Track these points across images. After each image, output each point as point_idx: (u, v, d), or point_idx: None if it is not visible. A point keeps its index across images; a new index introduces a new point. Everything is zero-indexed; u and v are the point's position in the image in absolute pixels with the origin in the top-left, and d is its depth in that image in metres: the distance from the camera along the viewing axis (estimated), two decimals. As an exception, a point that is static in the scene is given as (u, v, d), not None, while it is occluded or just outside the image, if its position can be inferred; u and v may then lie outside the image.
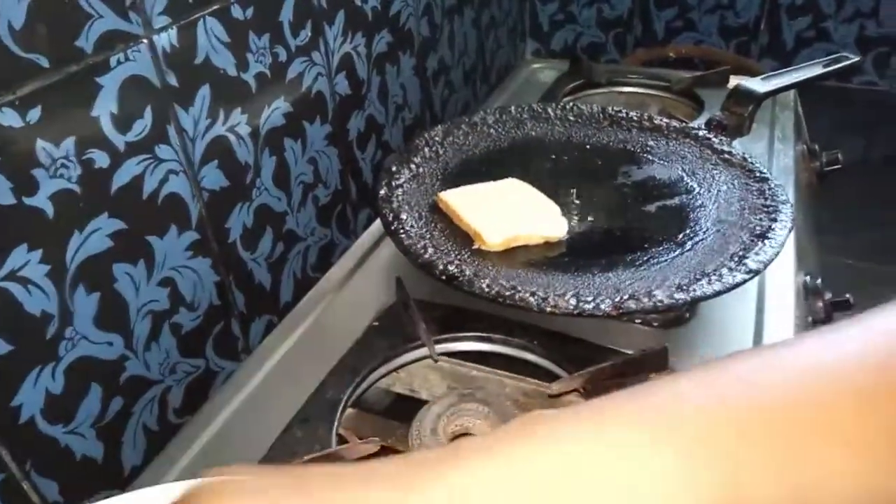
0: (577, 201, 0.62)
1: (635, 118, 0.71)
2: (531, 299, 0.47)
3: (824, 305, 0.59)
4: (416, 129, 0.94)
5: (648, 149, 0.68)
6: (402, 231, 0.55)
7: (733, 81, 0.71)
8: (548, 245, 0.56)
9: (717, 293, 0.47)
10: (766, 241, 0.52)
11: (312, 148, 0.73)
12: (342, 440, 0.46)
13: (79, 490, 0.50)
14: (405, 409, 0.48)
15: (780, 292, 0.56)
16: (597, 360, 0.48)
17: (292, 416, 0.47)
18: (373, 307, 0.55)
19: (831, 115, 0.89)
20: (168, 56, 0.53)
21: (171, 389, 0.59)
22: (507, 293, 0.48)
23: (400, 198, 0.60)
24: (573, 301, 0.47)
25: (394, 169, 0.63)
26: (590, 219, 0.60)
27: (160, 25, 0.52)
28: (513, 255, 0.55)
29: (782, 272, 0.59)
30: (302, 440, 0.44)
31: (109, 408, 0.52)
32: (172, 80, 0.54)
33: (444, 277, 0.50)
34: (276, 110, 0.66)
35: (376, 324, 0.53)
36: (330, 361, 0.50)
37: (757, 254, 0.51)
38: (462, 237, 0.56)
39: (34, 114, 0.44)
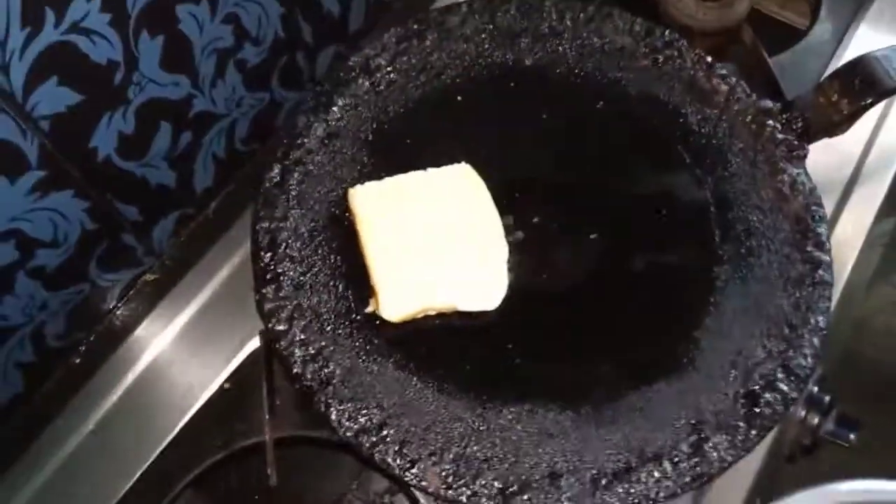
0: (546, 219, 0.44)
1: (688, 64, 0.47)
2: (394, 463, 0.36)
3: (817, 426, 0.45)
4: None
5: (686, 132, 0.46)
6: (269, 276, 0.40)
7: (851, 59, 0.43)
8: (468, 314, 0.41)
9: (639, 508, 0.35)
10: (752, 420, 0.36)
11: (231, 1, 0.54)
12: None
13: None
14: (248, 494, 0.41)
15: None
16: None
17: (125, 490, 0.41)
18: (233, 354, 0.44)
19: None
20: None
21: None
22: (368, 443, 0.36)
23: (294, 191, 0.43)
24: (448, 478, 0.35)
25: (300, 125, 0.44)
26: (547, 259, 0.43)
27: None
28: (414, 326, 0.41)
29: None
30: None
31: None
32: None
33: (296, 385, 0.38)
34: (157, -27, 0.47)
35: (227, 386, 0.42)
36: (168, 429, 0.42)
37: (727, 439, 0.36)
38: (360, 276, 0.42)
39: None
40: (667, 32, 0.48)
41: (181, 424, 0.43)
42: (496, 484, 0.36)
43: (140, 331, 0.59)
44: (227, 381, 0.42)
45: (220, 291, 0.57)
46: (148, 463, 0.42)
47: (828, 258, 0.41)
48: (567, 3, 0.48)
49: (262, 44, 0.60)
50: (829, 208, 0.51)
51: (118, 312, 0.59)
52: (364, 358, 0.39)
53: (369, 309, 0.41)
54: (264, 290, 0.39)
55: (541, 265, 0.43)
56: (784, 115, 0.45)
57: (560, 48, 0.48)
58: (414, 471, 0.36)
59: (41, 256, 0.51)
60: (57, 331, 0.58)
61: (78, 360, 0.57)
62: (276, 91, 0.64)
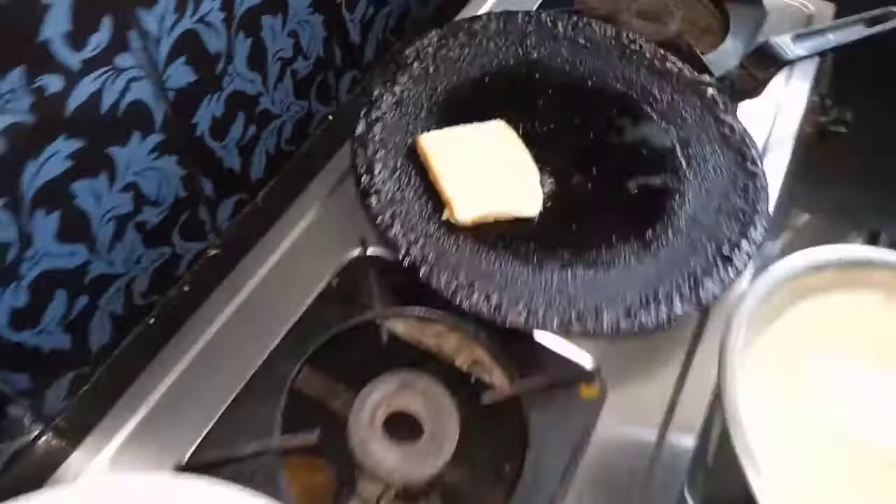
0: (562, 159, 0.60)
1: (647, 55, 0.66)
2: (483, 308, 0.49)
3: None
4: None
5: (651, 100, 0.64)
6: (372, 191, 0.53)
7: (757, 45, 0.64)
8: (517, 221, 0.56)
9: (659, 326, 0.50)
10: (728, 268, 0.52)
11: (294, 20, 0.67)
12: (296, 394, 0.50)
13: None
14: (358, 368, 0.52)
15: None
16: (537, 361, 0.51)
17: (251, 373, 0.51)
18: (336, 257, 0.56)
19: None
20: (129, -47, 0.46)
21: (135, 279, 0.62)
22: (463, 296, 0.49)
23: (377, 137, 0.57)
24: (524, 315, 0.49)
25: (375, 94, 0.59)
26: (568, 185, 0.58)
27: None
28: (480, 229, 0.55)
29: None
30: (256, 400, 0.49)
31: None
32: (134, -20, 0.47)
33: (405, 264, 0.50)
34: (254, -13, 0.57)
35: (336, 280, 0.54)
36: (288, 319, 0.53)
37: (714, 281, 0.52)
38: (434, 196, 0.55)
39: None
40: (631, 34, 0.66)
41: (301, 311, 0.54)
42: (556, 319, 0.49)
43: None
44: (335, 277, 0.54)
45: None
46: (273, 346, 0.52)
47: (762, 170, 0.58)
48: (559, 14, 0.67)
49: (310, 59, 0.75)
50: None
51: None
52: (448, 246, 0.52)
53: (444, 216, 0.54)
54: (369, 201, 0.53)
55: (562, 187, 0.58)
56: (719, 84, 0.63)
57: (557, 45, 0.66)
58: (500, 314, 0.49)
59: (146, 212, 0.61)
60: (142, 288, 0.67)
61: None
62: (313, 103, 0.79)
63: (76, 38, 0.46)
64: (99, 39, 0.47)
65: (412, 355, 0.52)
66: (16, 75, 0.43)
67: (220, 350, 0.54)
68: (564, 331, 0.49)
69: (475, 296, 0.49)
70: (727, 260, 0.53)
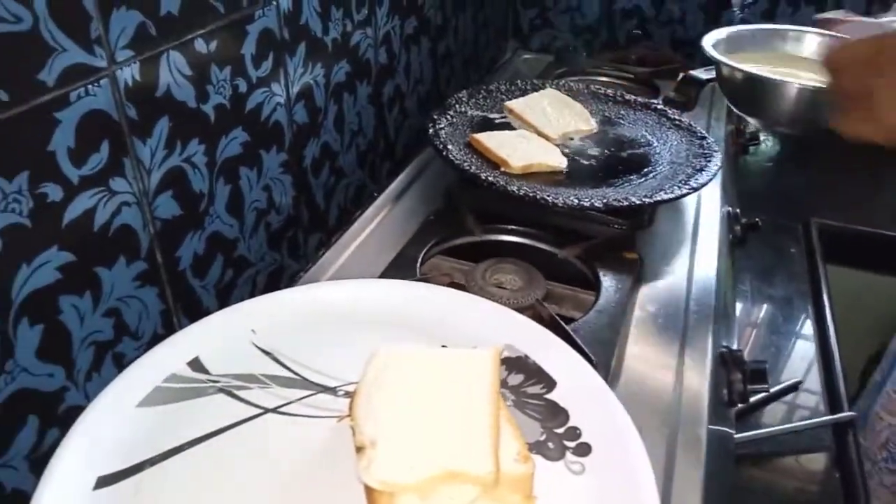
0: (570, 148, 0.85)
1: (610, 94, 0.95)
2: (548, 198, 0.69)
3: (741, 227, 0.85)
4: (369, 154, 0.99)
5: (621, 116, 0.92)
6: (451, 155, 0.76)
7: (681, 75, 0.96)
8: (553, 172, 0.79)
9: (670, 200, 0.71)
10: (702, 172, 0.76)
11: (267, 176, 0.74)
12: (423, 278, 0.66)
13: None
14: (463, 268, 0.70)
15: (709, 216, 0.81)
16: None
17: (387, 264, 0.67)
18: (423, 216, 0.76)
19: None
20: (129, 89, 0.52)
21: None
22: (530, 195, 0.70)
23: (443, 136, 0.81)
24: (575, 201, 0.70)
25: (436, 116, 0.85)
26: (580, 159, 0.83)
27: (123, 59, 0.51)
28: (529, 177, 0.77)
29: (712, 202, 0.83)
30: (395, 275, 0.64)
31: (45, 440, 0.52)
32: (132, 113, 0.53)
33: (485, 184, 0.71)
34: (233, 140, 0.67)
35: (432, 218, 0.74)
36: (403, 239, 0.71)
37: (697, 179, 0.75)
38: (491, 166, 0.78)
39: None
40: (596, 85, 0.96)
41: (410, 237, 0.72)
42: (600, 202, 0.70)
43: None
44: (430, 215, 0.74)
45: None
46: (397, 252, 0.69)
47: (707, 135, 0.84)
48: (543, 80, 0.97)
49: (281, 214, 0.79)
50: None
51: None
52: (510, 181, 0.74)
53: (502, 170, 0.77)
54: (450, 157, 0.75)
55: (574, 162, 0.82)
56: (664, 102, 0.92)
57: (547, 95, 0.95)
58: (558, 201, 0.69)
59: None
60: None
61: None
62: (285, 258, 0.83)
63: (78, 154, 0.49)
64: (98, 159, 0.51)
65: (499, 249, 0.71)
66: (21, 179, 0.45)
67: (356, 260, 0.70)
68: (607, 207, 0.69)
69: (539, 195, 0.70)
70: (702, 171, 0.76)
